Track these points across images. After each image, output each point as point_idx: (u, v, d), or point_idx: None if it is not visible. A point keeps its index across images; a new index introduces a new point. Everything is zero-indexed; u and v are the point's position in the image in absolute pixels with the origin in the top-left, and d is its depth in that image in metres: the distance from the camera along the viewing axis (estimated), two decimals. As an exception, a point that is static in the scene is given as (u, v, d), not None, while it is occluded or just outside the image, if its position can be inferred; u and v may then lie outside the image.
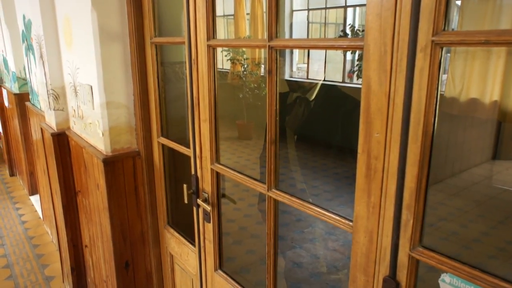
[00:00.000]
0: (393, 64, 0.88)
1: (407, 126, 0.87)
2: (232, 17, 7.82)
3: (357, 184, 1.02)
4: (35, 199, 4.57)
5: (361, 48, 0.95)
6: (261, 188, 1.38)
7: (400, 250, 0.94)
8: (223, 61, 6.73)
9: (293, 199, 1.26)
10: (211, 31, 1.50)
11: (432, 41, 0.79)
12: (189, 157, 1.78)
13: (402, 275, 0.95)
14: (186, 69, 1.67)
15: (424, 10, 0.80)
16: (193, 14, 1.53)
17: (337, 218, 1.11)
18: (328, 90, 1.81)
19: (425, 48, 0.81)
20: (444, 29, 0.79)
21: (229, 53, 6.42)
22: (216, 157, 1.63)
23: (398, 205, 0.92)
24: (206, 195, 1.70)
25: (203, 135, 1.64)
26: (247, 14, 7.30)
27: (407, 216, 0.91)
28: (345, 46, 1.13)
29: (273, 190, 1.34)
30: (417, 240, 0.91)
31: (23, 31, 3.32)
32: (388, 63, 0.89)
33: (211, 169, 1.64)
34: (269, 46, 1.22)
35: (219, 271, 1.75)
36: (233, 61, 6.47)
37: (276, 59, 1.24)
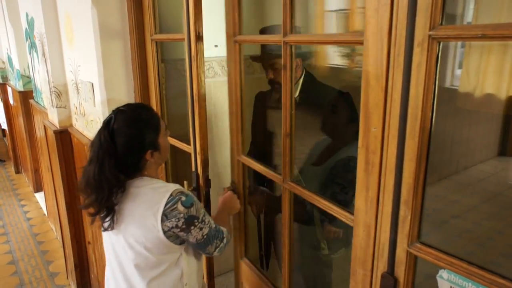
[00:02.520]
0: (390, 59, 0.87)
1: (405, 121, 0.86)
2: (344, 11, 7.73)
3: (357, 178, 1.02)
4: (40, 196, 4.61)
5: (361, 43, 0.95)
6: (277, 179, 1.41)
7: (398, 246, 0.94)
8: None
9: (304, 191, 1.29)
10: (238, 27, 1.53)
11: (429, 35, 0.79)
12: (190, 154, 1.78)
13: (400, 271, 0.95)
14: (186, 66, 1.67)
15: (421, 4, 0.79)
16: (193, 10, 1.53)
17: (340, 211, 1.13)
18: (311, 83, 1.76)
19: (422, 43, 0.80)
20: (441, 23, 0.78)
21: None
22: (217, 154, 1.64)
23: (396, 201, 0.91)
24: (207, 192, 1.70)
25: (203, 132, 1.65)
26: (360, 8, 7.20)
27: (405, 212, 0.90)
28: (347, 41, 1.14)
29: (288, 182, 1.36)
30: (415, 236, 0.91)
31: (26, 29, 3.34)
32: (386, 58, 0.88)
33: (212, 165, 1.64)
34: (284, 41, 1.25)
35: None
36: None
37: (291, 54, 1.26)
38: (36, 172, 4.60)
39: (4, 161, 6.15)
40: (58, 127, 2.53)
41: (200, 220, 1.29)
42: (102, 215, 1.29)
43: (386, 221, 0.96)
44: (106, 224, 1.30)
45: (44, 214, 4.27)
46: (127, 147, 1.26)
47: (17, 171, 5.62)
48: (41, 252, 3.55)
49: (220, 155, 2.49)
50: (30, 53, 3.43)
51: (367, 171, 0.98)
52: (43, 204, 4.34)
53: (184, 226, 1.25)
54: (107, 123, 1.27)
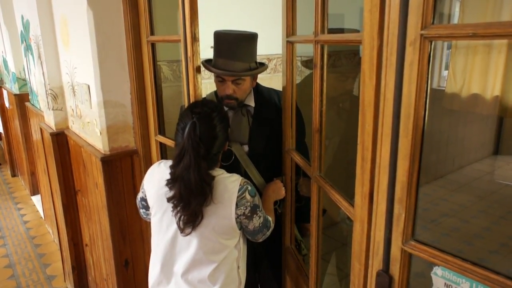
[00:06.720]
0: (383, 58, 0.89)
1: (398, 119, 0.87)
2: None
3: (356, 174, 1.04)
4: (36, 199, 4.59)
5: (360, 42, 0.96)
6: (308, 169, 1.45)
7: (392, 244, 0.94)
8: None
9: (326, 185, 1.31)
10: (291, 28, 1.57)
11: (421, 35, 0.80)
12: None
13: (395, 269, 0.95)
14: (182, 67, 1.67)
15: (412, 4, 0.80)
16: (188, 12, 1.53)
17: (346, 205, 1.16)
18: (265, 91, 1.74)
19: (414, 42, 0.81)
20: (433, 23, 0.79)
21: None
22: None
23: (390, 199, 0.92)
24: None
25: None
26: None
27: (399, 210, 0.91)
28: (349, 41, 1.21)
29: (316, 175, 1.39)
30: (409, 234, 0.92)
31: (21, 31, 3.33)
32: (379, 57, 0.90)
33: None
34: (315, 41, 1.28)
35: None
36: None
37: (322, 53, 1.30)
38: (33, 175, 4.59)
39: (0, 164, 6.13)
40: (54, 129, 2.53)
41: (260, 209, 1.40)
42: (184, 219, 1.29)
43: (380, 219, 0.96)
44: (188, 230, 1.32)
45: (41, 217, 4.26)
46: (217, 146, 1.35)
47: (13, 174, 5.60)
48: (38, 255, 3.54)
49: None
50: (25, 55, 3.42)
51: (362, 167, 1.01)
52: (40, 207, 4.33)
53: (249, 214, 1.36)
54: (193, 128, 1.27)
